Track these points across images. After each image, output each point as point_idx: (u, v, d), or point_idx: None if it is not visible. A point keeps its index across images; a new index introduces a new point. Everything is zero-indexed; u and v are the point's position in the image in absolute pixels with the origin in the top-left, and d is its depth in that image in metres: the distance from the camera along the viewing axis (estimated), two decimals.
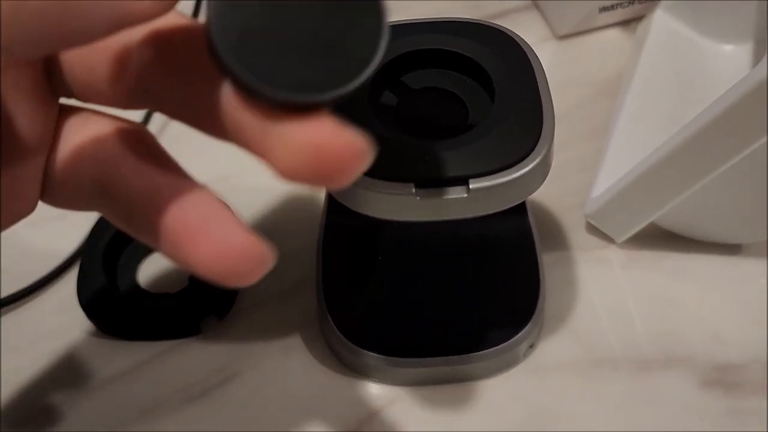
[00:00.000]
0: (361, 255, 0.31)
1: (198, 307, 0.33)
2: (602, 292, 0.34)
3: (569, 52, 0.42)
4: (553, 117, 0.25)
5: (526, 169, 0.23)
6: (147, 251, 0.35)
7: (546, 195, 0.36)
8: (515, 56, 0.26)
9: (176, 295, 0.34)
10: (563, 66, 0.42)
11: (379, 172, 0.22)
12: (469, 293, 0.32)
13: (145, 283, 0.35)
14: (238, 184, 0.34)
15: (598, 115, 0.39)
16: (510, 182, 0.23)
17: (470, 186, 0.23)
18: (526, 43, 0.26)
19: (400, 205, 0.23)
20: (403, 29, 0.27)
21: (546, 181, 0.36)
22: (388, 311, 0.31)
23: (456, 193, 0.23)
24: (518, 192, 0.24)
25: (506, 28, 0.27)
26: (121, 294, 0.34)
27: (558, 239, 0.35)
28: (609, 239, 0.35)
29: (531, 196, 0.35)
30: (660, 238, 0.35)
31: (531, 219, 0.33)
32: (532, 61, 0.26)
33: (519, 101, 0.24)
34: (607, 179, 0.34)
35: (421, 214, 0.23)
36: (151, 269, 0.35)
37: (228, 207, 0.20)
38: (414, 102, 0.26)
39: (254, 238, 0.18)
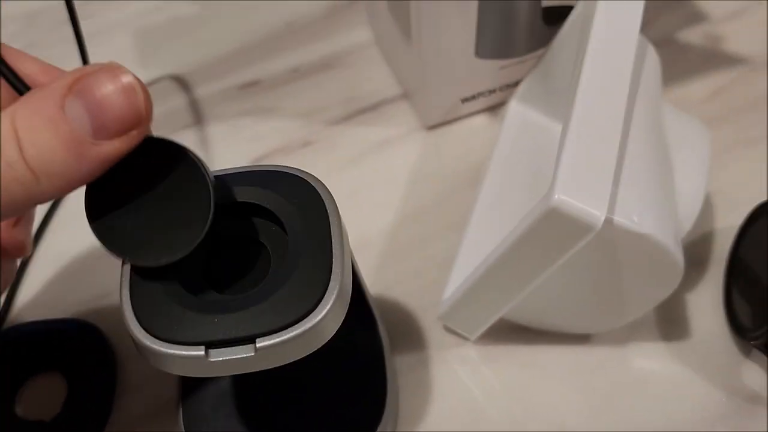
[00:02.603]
0: (216, 378, 0.32)
1: None
2: (459, 391, 0.35)
3: (438, 141, 0.44)
4: (344, 263, 0.25)
5: (313, 323, 0.24)
6: (25, 378, 0.37)
7: (405, 295, 0.38)
8: (310, 201, 0.26)
9: (51, 422, 0.35)
10: (431, 157, 0.43)
11: (171, 336, 0.24)
12: (319, 405, 0.33)
13: (21, 411, 0.36)
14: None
15: (462, 207, 0.40)
16: (297, 337, 0.24)
17: (257, 345, 0.24)
18: (323, 185, 0.27)
19: (194, 365, 0.24)
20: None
21: (404, 279, 0.38)
22: (242, 429, 0.32)
23: (244, 352, 0.24)
24: (308, 344, 0.25)
25: (305, 172, 0.28)
26: None
27: (417, 339, 0.36)
28: (464, 337, 0.36)
29: (388, 298, 0.37)
30: (513, 331, 0.36)
31: (381, 327, 0.35)
32: (327, 205, 0.26)
33: (310, 252, 0.25)
34: (459, 277, 0.35)
35: (214, 371, 0.24)
36: (27, 396, 0.36)
37: None
38: (223, 253, 0.27)
39: None
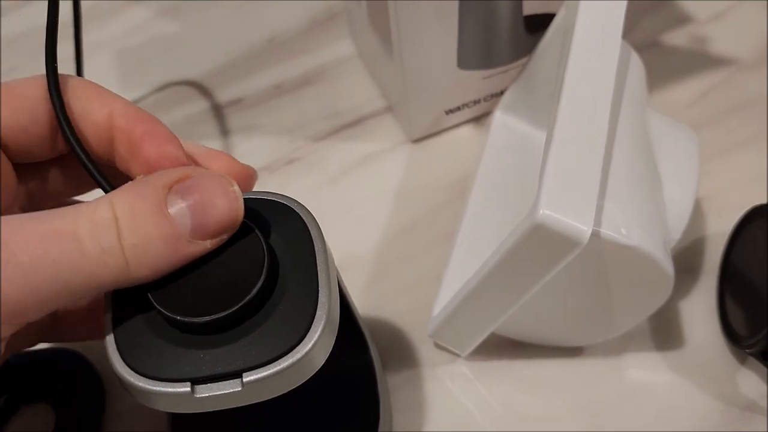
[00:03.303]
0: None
1: None
2: (451, 408, 0.34)
3: (423, 154, 0.43)
4: (330, 294, 0.25)
5: (300, 355, 0.23)
6: (13, 410, 0.36)
7: (394, 312, 0.37)
8: (295, 231, 0.26)
9: None
10: (418, 170, 0.43)
11: (156, 373, 0.23)
12: (315, 429, 0.32)
13: None
14: None
15: (450, 220, 0.40)
16: (285, 369, 0.23)
17: (244, 379, 0.23)
18: (307, 211, 0.27)
19: (180, 402, 0.24)
20: None
21: (393, 297, 0.37)
22: None
23: (231, 387, 0.23)
24: (297, 376, 0.24)
25: (288, 198, 0.27)
26: None
27: (407, 357, 0.36)
28: (456, 353, 0.35)
29: (377, 315, 0.37)
30: (506, 346, 0.35)
31: (371, 347, 0.34)
32: (312, 232, 0.26)
33: (295, 281, 0.25)
34: (449, 292, 0.35)
35: (201, 407, 0.24)
36: (14, 428, 0.35)
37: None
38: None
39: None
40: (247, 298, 0.23)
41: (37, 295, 0.21)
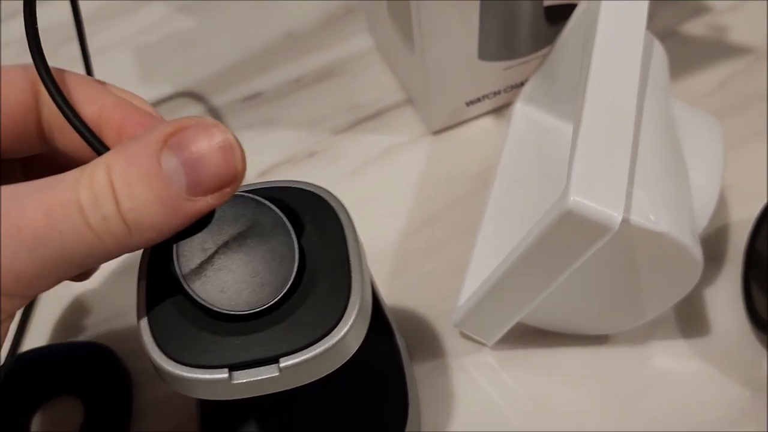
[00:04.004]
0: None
1: None
2: (478, 397, 0.35)
3: (444, 146, 0.43)
4: (363, 278, 0.25)
5: (336, 339, 0.24)
6: (40, 403, 0.36)
7: (419, 302, 0.37)
8: (326, 218, 0.26)
9: None
10: (438, 162, 0.43)
11: (193, 360, 0.23)
12: (341, 421, 0.32)
13: None
14: None
15: (472, 211, 0.40)
16: (320, 354, 0.24)
17: (281, 365, 0.23)
18: (336, 199, 0.27)
19: (218, 388, 0.24)
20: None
21: (417, 288, 0.37)
22: None
23: (268, 372, 0.24)
24: (332, 360, 0.24)
25: (318, 187, 0.27)
26: None
27: (433, 347, 0.36)
28: (481, 343, 0.36)
29: (402, 306, 0.37)
30: (531, 336, 0.36)
31: (398, 336, 0.34)
32: (342, 220, 0.26)
33: (328, 268, 0.25)
34: (473, 283, 0.35)
35: (238, 393, 0.24)
36: (42, 421, 0.36)
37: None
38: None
39: None
40: (286, 288, 0.24)
41: (43, 267, 0.21)
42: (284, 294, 0.24)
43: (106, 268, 0.40)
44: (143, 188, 0.21)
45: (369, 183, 0.42)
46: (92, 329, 0.38)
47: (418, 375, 0.35)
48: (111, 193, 0.21)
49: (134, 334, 0.37)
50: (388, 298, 0.37)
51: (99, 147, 0.23)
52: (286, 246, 0.24)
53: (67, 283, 0.38)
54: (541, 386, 0.35)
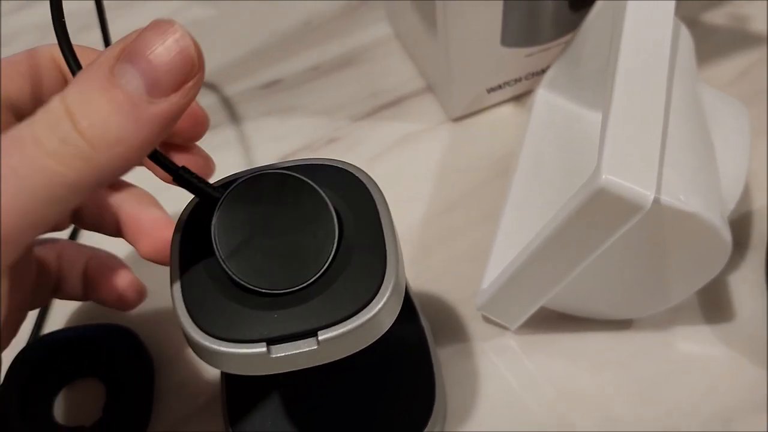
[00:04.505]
0: (262, 377, 0.32)
1: None
2: (503, 381, 0.35)
3: (465, 133, 0.43)
4: (398, 252, 0.25)
5: (373, 313, 0.24)
6: (63, 384, 0.36)
7: (441, 287, 0.37)
8: (359, 195, 0.26)
9: (90, 427, 0.34)
10: (459, 149, 0.43)
11: (231, 335, 0.23)
12: (368, 402, 0.32)
13: (60, 418, 0.35)
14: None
15: (493, 197, 0.40)
16: (359, 327, 0.23)
17: (319, 338, 0.23)
18: (369, 178, 0.27)
19: (255, 363, 0.24)
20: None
21: (439, 273, 0.37)
22: (290, 429, 0.32)
23: (306, 345, 0.23)
24: (368, 334, 0.24)
25: (351, 165, 0.27)
26: None
27: (456, 331, 0.36)
28: (505, 327, 0.36)
29: (425, 291, 0.37)
30: (554, 320, 0.36)
31: (423, 319, 0.34)
32: (375, 197, 0.26)
33: (363, 244, 0.25)
34: (497, 267, 0.35)
35: (276, 367, 0.24)
36: (65, 402, 0.36)
37: None
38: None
39: None
40: (325, 266, 0.24)
41: (17, 216, 0.20)
42: (324, 270, 0.24)
43: (130, 253, 0.40)
44: (100, 102, 0.20)
45: (388, 170, 0.42)
46: (115, 312, 0.38)
47: (441, 359, 0.35)
48: (66, 117, 0.20)
49: (156, 318, 0.38)
50: (410, 282, 0.37)
51: (74, 65, 0.22)
52: (325, 222, 0.24)
53: None
54: (563, 371, 0.35)
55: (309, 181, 0.25)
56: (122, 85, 0.20)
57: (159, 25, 0.21)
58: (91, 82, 0.20)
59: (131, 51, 0.20)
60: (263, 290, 0.23)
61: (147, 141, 0.21)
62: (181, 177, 0.24)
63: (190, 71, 0.21)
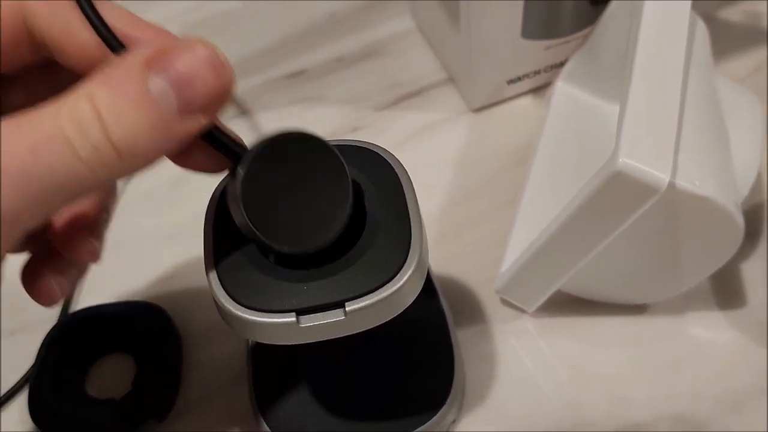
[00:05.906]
0: (287, 354, 0.33)
1: (137, 412, 0.35)
2: (519, 362, 0.36)
3: (484, 123, 0.44)
4: (422, 230, 0.26)
5: (399, 285, 0.25)
6: (95, 359, 0.38)
7: (461, 271, 0.38)
8: (385, 174, 0.27)
9: (120, 400, 0.36)
10: (479, 138, 0.44)
11: (262, 305, 0.24)
12: (389, 380, 0.34)
13: (92, 391, 0.37)
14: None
15: (511, 186, 0.41)
16: (384, 299, 0.25)
17: (347, 308, 0.25)
18: (396, 159, 0.28)
19: (284, 333, 0.25)
20: None
21: (458, 257, 0.39)
22: (314, 405, 0.33)
23: (334, 316, 0.25)
24: (395, 306, 0.25)
25: (377, 146, 0.29)
26: (67, 405, 0.36)
27: (475, 314, 0.37)
28: (522, 310, 0.37)
29: (445, 275, 0.38)
30: (570, 304, 0.37)
31: (443, 300, 0.35)
32: (400, 177, 0.27)
33: (388, 220, 0.26)
34: (515, 252, 0.36)
35: (304, 337, 0.25)
36: (97, 376, 0.37)
37: None
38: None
39: None
40: (343, 227, 0.25)
41: (32, 202, 0.20)
42: (347, 241, 0.25)
43: (157, 233, 0.41)
44: (134, 114, 0.20)
45: (410, 158, 0.42)
46: (144, 290, 0.39)
47: (460, 339, 0.36)
48: (98, 123, 0.20)
49: (186, 297, 0.39)
50: (431, 266, 0.38)
51: (115, 44, 0.22)
52: (345, 191, 0.25)
53: (121, 245, 0.40)
54: (577, 353, 0.36)
55: (337, 153, 0.25)
56: (158, 102, 0.20)
57: (193, 42, 0.21)
58: (125, 90, 0.20)
59: (166, 63, 0.21)
60: (287, 251, 0.24)
61: (167, 154, 0.22)
62: (211, 135, 0.24)
63: (224, 94, 0.22)
